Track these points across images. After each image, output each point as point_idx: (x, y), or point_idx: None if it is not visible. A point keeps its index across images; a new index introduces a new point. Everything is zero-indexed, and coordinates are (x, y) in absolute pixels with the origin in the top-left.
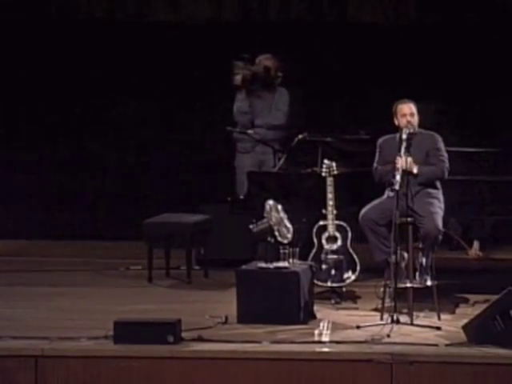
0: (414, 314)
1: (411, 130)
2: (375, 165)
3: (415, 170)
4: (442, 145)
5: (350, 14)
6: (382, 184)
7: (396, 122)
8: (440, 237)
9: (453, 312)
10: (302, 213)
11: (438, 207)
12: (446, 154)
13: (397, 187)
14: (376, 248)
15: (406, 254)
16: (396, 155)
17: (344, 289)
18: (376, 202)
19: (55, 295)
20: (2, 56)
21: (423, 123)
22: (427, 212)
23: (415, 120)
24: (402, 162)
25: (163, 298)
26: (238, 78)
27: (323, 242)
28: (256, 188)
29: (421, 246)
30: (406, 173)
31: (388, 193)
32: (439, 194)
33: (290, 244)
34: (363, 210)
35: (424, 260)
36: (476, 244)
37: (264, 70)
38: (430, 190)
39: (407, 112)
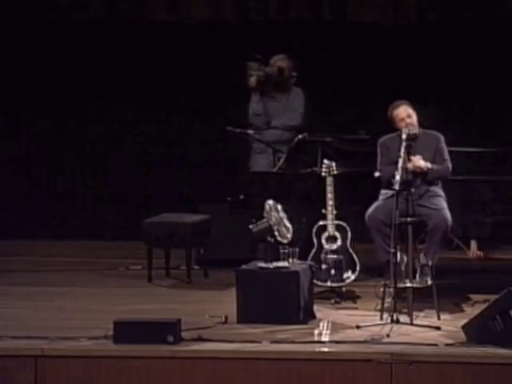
0: (414, 313)
1: (414, 131)
2: (380, 166)
3: (429, 165)
4: (444, 144)
5: (349, 13)
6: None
7: (395, 127)
8: (449, 230)
9: (453, 312)
10: (301, 213)
11: (444, 202)
12: (447, 154)
13: (397, 187)
14: (381, 248)
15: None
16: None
17: (344, 289)
18: (380, 202)
19: (55, 295)
20: (1, 56)
21: (424, 123)
22: (436, 206)
23: (414, 120)
24: (415, 161)
25: (163, 297)
26: (252, 80)
27: (323, 241)
28: (256, 188)
29: (426, 244)
30: (418, 173)
31: (388, 192)
32: (441, 191)
33: (290, 244)
34: (369, 211)
35: (429, 258)
36: (474, 244)
37: (278, 71)
38: (433, 188)
39: (404, 115)
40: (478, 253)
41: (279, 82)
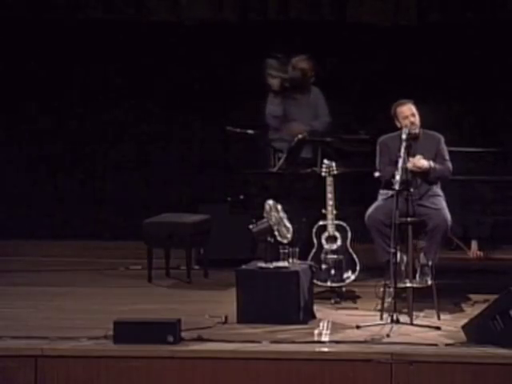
0: (414, 313)
1: (415, 131)
2: (380, 165)
3: (432, 164)
4: (444, 145)
5: (349, 13)
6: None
7: (398, 125)
8: (449, 230)
9: (453, 312)
10: (301, 213)
11: (444, 202)
12: (448, 155)
13: (397, 187)
14: (381, 248)
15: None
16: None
17: (344, 289)
18: (380, 202)
19: (55, 295)
20: (1, 56)
21: (424, 123)
22: (436, 206)
23: (417, 119)
24: (416, 161)
25: (163, 298)
26: (275, 83)
27: (323, 241)
28: (256, 188)
29: (426, 244)
30: (419, 173)
31: (388, 192)
32: (440, 190)
33: (290, 244)
34: (369, 211)
35: (429, 258)
36: (474, 244)
37: (301, 73)
38: (434, 188)
39: (408, 113)
40: (478, 253)
41: (302, 85)
